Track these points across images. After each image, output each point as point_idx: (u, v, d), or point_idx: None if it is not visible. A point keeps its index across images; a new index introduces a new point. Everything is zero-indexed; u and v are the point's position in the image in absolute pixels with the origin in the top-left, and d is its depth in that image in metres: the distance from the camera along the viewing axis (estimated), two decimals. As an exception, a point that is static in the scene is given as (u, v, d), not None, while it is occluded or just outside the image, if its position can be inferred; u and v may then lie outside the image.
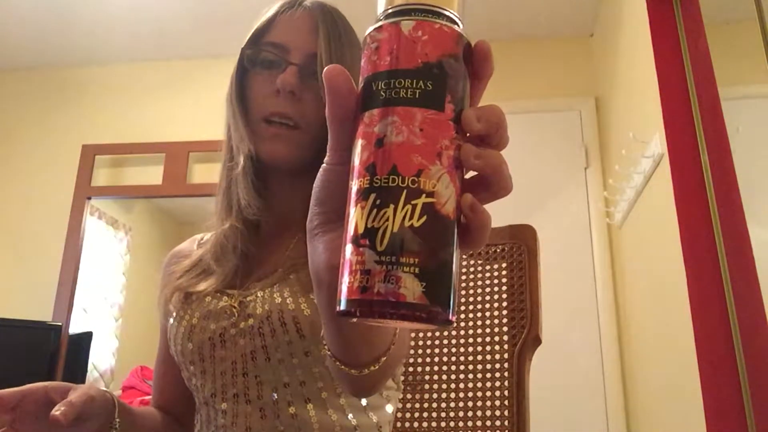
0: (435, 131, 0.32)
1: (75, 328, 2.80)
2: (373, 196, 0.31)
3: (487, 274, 0.99)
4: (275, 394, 0.70)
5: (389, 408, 0.78)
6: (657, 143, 1.83)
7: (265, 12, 0.80)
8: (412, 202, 0.30)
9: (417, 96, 0.32)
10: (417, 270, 0.30)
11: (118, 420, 0.70)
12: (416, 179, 0.31)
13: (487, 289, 0.98)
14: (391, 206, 0.31)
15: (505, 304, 0.94)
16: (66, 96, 3.23)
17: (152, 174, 2.98)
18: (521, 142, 2.83)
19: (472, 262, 1.01)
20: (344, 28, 0.79)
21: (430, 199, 0.31)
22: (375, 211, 0.31)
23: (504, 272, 0.97)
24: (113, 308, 2.93)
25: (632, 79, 2.22)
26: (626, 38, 2.29)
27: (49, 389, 0.64)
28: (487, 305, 0.97)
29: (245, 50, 0.78)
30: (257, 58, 0.77)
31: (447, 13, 0.34)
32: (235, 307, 0.73)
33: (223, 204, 0.81)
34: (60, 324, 2.74)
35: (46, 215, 3.00)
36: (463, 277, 1.01)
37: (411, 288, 0.30)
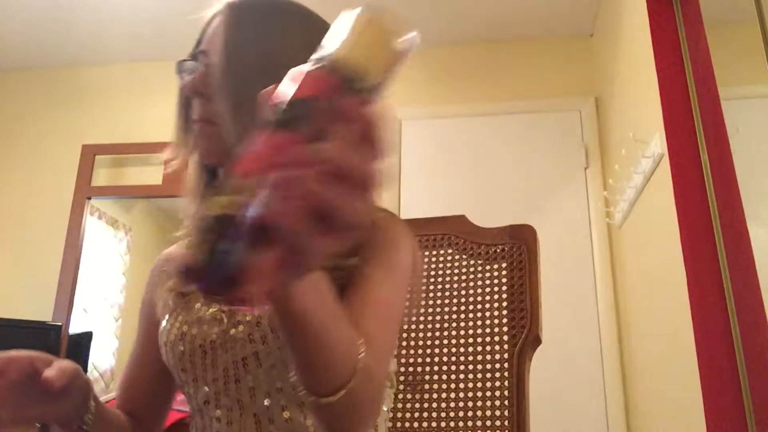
0: (275, 150, 0.37)
1: (75, 328, 2.80)
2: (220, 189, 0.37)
3: (487, 274, 0.99)
4: (269, 400, 0.70)
5: (383, 407, 0.78)
6: (657, 143, 1.83)
7: None
8: (229, 197, 0.36)
9: (280, 121, 0.38)
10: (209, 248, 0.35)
11: (93, 404, 0.70)
12: (242, 182, 0.36)
13: (487, 289, 0.98)
14: (221, 198, 0.36)
15: (505, 304, 0.95)
16: (66, 96, 3.23)
17: (152, 174, 2.98)
18: (521, 142, 2.83)
19: (472, 262, 1.01)
20: (250, 14, 0.77)
21: (239, 199, 0.36)
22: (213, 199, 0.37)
23: (504, 272, 0.97)
24: (113, 308, 2.93)
25: (632, 79, 2.22)
26: (626, 38, 2.29)
27: (33, 358, 0.63)
28: (487, 305, 0.97)
29: (177, 63, 0.81)
30: (185, 68, 0.82)
31: (340, 67, 0.39)
32: (224, 313, 0.73)
33: (191, 209, 0.85)
34: (60, 324, 2.74)
35: (46, 215, 3.00)
36: (463, 277, 1.01)
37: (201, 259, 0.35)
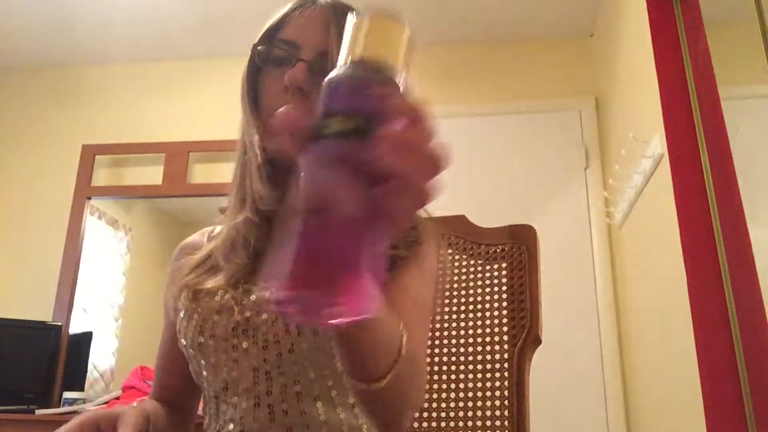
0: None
1: (75, 328, 2.80)
2: None
3: (487, 274, 0.99)
4: (285, 391, 0.71)
5: None
6: (657, 143, 1.83)
7: (279, 10, 0.80)
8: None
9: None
10: None
11: None
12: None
13: (487, 289, 0.98)
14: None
15: (505, 304, 0.94)
16: (66, 96, 3.23)
17: (152, 174, 2.98)
18: (521, 142, 2.83)
19: (472, 262, 1.01)
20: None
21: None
22: None
23: (504, 272, 0.97)
24: (113, 308, 2.93)
25: (632, 79, 2.22)
26: (626, 38, 2.29)
27: (99, 419, 0.66)
28: (487, 305, 0.96)
29: (256, 47, 0.78)
30: (268, 55, 0.78)
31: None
32: (247, 302, 0.73)
33: (237, 198, 0.81)
34: (60, 324, 2.74)
35: (46, 215, 3.00)
36: (463, 277, 1.01)
37: None
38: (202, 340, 0.75)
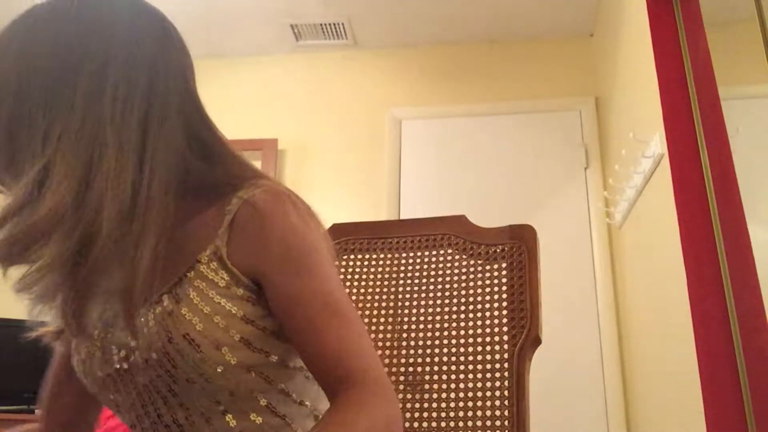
0: None
1: (75, 328, 2.80)
2: None
3: (487, 274, 0.99)
4: (191, 415, 0.68)
5: (307, 402, 0.75)
6: (657, 143, 1.83)
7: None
8: None
9: None
10: None
11: None
12: None
13: (487, 289, 0.98)
14: None
15: (505, 304, 0.94)
16: (66, 96, 3.23)
17: (152, 174, 2.98)
18: (522, 142, 2.83)
19: (472, 262, 1.01)
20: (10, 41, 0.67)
21: None
22: None
23: (504, 272, 0.97)
24: (113, 308, 2.93)
25: (632, 79, 2.22)
26: (626, 38, 2.29)
27: None
28: (487, 305, 0.96)
29: None
30: None
31: None
32: (119, 344, 0.70)
33: None
34: (60, 324, 2.74)
35: (46, 215, 3.00)
36: (463, 277, 1.01)
37: None
38: (95, 389, 0.73)
